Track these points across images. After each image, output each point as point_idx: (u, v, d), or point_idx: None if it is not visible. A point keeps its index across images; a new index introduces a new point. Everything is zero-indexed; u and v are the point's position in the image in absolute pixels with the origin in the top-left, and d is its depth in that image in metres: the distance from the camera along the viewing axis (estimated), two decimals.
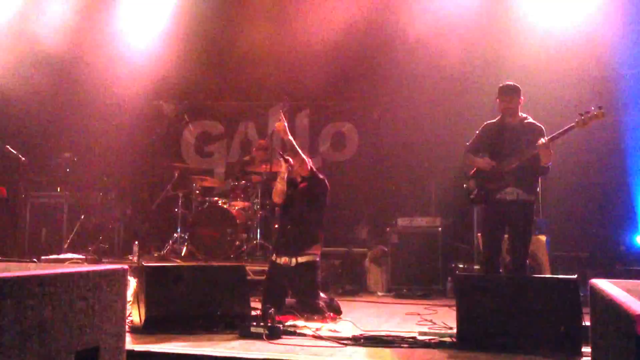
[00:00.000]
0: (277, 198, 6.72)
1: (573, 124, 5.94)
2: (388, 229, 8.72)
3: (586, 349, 4.40)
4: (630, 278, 6.00)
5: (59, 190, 10.03)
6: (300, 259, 6.43)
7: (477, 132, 6.59)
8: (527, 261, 6.42)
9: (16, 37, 10.07)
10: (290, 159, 6.75)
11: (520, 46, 9.38)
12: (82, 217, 9.93)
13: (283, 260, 6.48)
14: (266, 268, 6.90)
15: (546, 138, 6.02)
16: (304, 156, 6.68)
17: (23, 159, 9.24)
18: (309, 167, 6.69)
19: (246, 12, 10.83)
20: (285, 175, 6.70)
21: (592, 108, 5.91)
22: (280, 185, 6.68)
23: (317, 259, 6.57)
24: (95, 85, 10.78)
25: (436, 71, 10.10)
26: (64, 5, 10.32)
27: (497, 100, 6.36)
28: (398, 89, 10.41)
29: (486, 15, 9.67)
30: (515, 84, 6.38)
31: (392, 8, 10.03)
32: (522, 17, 9.48)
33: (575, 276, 4.95)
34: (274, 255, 6.62)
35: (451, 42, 9.83)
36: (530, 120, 6.35)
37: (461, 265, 8.88)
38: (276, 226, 7.09)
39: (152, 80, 10.86)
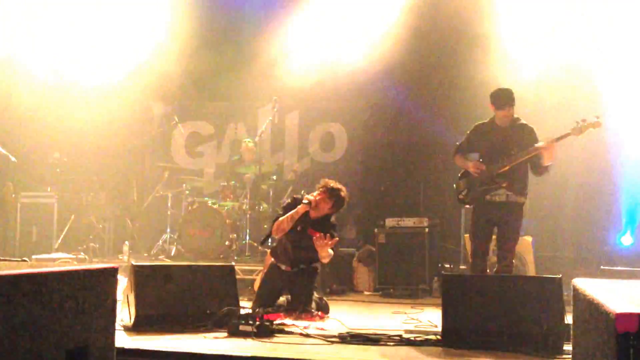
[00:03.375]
0: (276, 233, 6.49)
1: (569, 131, 6.02)
2: (376, 229, 8.79)
3: (568, 347, 4.45)
4: (615, 278, 6.08)
5: (49, 190, 10.05)
6: (303, 266, 6.52)
7: (468, 132, 6.64)
8: (513, 261, 6.53)
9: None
10: (312, 202, 6.40)
11: (512, 49, 9.45)
12: (73, 217, 9.96)
13: (285, 267, 6.55)
14: (255, 267, 6.95)
15: (551, 139, 6.05)
16: (332, 254, 6.37)
17: (13, 158, 9.26)
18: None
19: (237, 13, 10.89)
20: (297, 217, 6.40)
21: (590, 116, 5.99)
22: (286, 225, 6.40)
23: (318, 266, 6.67)
24: (86, 85, 10.79)
25: (425, 72, 10.18)
26: (54, 4, 10.36)
27: (492, 107, 6.36)
28: (387, 90, 10.48)
29: (478, 18, 9.73)
30: (508, 89, 6.36)
31: (381, 9, 10.08)
32: (513, 20, 9.56)
33: (559, 276, 5.01)
34: (275, 259, 6.63)
35: (441, 43, 9.92)
36: (522, 121, 6.39)
37: (447, 265, 8.97)
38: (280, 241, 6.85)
39: (142, 81, 10.89)
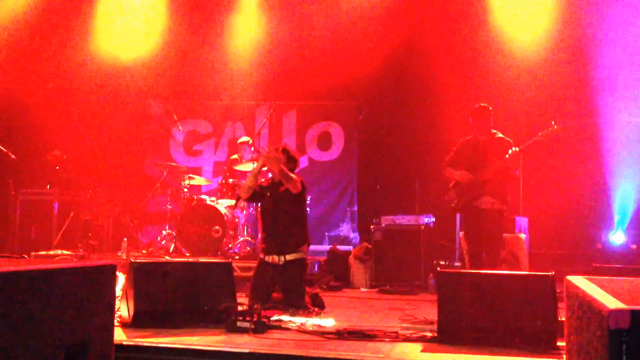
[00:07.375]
0: (243, 194, 6.75)
1: (536, 137, 6.64)
2: (372, 226, 8.84)
3: (561, 343, 4.49)
4: (607, 275, 6.12)
5: (48, 187, 10.09)
6: (289, 257, 6.54)
7: (454, 147, 7.20)
8: (503, 261, 6.88)
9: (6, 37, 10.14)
10: (265, 150, 6.83)
11: (498, 50, 9.51)
12: (72, 214, 9.99)
13: (271, 259, 6.57)
14: (252, 264, 7.00)
15: (516, 148, 6.66)
16: (294, 176, 6.50)
17: (13, 156, 9.29)
18: (300, 186, 6.58)
19: (234, 13, 10.92)
20: (257, 172, 6.70)
21: (552, 123, 6.60)
22: (249, 182, 6.67)
23: (305, 257, 6.71)
24: (85, 83, 10.82)
25: (420, 74, 10.23)
26: (52, 4, 10.39)
27: (470, 119, 7.03)
28: (384, 90, 10.53)
29: (466, 22, 9.80)
30: (484, 105, 6.99)
31: (376, 11, 10.13)
32: (500, 22, 9.61)
33: (552, 273, 5.06)
34: (262, 253, 6.70)
35: (433, 46, 9.97)
36: (500, 135, 6.97)
37: (442, 262, 9.01)
38: (260, 227, 7.07)
39: (141, 80, 10.92)
